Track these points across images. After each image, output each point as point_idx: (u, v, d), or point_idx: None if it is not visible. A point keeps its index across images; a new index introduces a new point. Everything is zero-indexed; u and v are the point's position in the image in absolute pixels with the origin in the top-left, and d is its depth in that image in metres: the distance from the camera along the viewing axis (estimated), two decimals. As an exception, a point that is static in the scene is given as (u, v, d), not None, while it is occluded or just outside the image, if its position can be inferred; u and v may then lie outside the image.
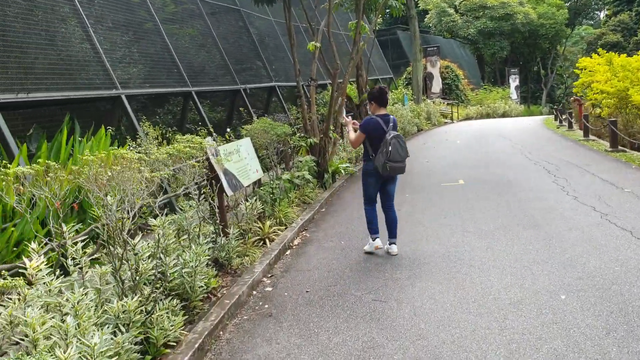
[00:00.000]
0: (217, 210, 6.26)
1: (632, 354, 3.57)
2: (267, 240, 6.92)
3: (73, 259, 4.13)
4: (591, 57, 21.11)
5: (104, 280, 4.23)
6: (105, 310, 3.97)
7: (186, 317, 4.73)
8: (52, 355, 3.12)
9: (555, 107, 32.72)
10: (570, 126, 21.02)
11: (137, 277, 4.36)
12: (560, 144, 16.47)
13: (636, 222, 6.70)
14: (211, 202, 6.20)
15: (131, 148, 7.78)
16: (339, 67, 11.41)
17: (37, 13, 8.83)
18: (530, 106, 47.95)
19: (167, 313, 4.45)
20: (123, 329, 3.91)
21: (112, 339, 3.63)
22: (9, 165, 4.57)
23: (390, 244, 6.29)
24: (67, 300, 3.53)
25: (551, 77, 52.95)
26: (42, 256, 4.02)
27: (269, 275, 5.83)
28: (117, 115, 9.93)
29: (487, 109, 37.03)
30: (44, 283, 3.66)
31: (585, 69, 20.49)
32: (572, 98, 24.30)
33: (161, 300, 4.59)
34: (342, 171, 11.93)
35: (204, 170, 6.11)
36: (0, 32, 7.72)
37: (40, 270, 3.90)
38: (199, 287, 5.05)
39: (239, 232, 6.62)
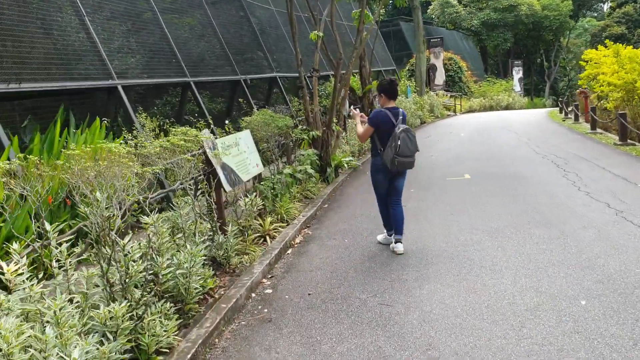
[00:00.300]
0: (214, 206, 5.96)
1: (663, 368, 3.28)
2: (267, 238, 6.63)
3: (57, 260, 3.84)
4: (596, 49, 20.74)
5: (91, 283, 3.94)
6: (92, 316, 3.68)
7: (180, 320, 4.44)
8: (28, 370, 2.84)
9: (560, 99, 32.30)
10: (576, 119, 20.66)
11: (127, 280, 4.07)
12: (567, 137, 16.13)
13: (654, 220, 6.40)
14: (208, 198, 5.90)
15: (127, 140, 7.54)
16: (342, 57, 11.08)
17: (31, 1, 8.54)
18: (533, 98, 47.54)
19: (159, 317, 4.17)
20: (110, 337, 3.62)
21: (97, 349, 3.35)
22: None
23: (395, 242, 5.99)
24: (48, 307, 3.24)
25: (554, 69, 52.46)
26: (25, 257, 3.75)
27: (269, 276, 5.53)
28: (113, 107, 9.69)
29: (491, 101, 36.70)
30: (24, 288, 3.37)
31: (590, 61, 20.11)
32: (577, 90, 23.91)
33: (153, 303, 4.31)
34: (345, 165, 11.62)
35: (201, 164, 5.81)
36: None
37: (22, 273, 3.62)
38: (195, 289, 4.77)
39: (238, 229, 6.33)
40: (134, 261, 4.16)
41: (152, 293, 4.32)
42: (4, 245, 5.07)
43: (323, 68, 16.73)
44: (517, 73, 45.67)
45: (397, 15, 43.79)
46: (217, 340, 4.16)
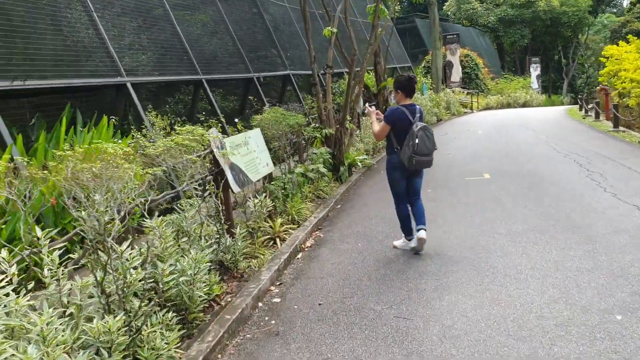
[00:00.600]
0: (221, 208, 5.68)
1: None
2: (277, 240, 6.34)
3: (49, 269, 3.57)
4: (617, 45, 20.18)
5: (86, 294, 3.67)
6: (84, 330, 3.40)
7: (184, 331, 4.16)
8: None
9: (580, 96, 31.66)
10: (597, 116, 20.10)
11: (125, 289, 3.79)
12: (588, 135, 15.63)
13: (688, 225, 5.99)
14: (215, 200, 5.62)
15: (135, 139, 7.29)
16: (356, 53, 10.75)
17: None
18: (551, 96, 46.78)
19: (160, 329, 3.89)
20: (105, 353, 3.35)
21: (88, 367, 3.08)
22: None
23: (419, 230, 5.73)
24: (33, 323, 2.96)
25: (572, 66, 51.59)
26: (15, 266, 3.49)
27: (278, 283, 5.22)
28: (122, 105, 9.50)
29: (508, 99, 36.17)
30: (8, 302, 3.10)
31: (611, 57, 19.59)
32: (597, 87, 23.33)
33: (155, 313, 4.03)
34: (359, 163, 11.29)
35: (208, 164, 5.53)
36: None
37: (10, 283, 3.36)
38: (199, 297, 4.48)
39: (246, 231, 6.04)
40: (134, 268, 3.88)
41: (153, 302, 4.04)
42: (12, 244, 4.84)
43: (337, 65, 16.42)
44: (535, 70, 44.98)
45: (412, 12, 43.33)
46: (219, 356, 3.86)
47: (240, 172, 6.17)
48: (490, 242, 5.94)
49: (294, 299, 4.80)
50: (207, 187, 5.57)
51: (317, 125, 10.52)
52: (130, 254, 3.86)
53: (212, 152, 5.70)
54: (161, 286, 4.13)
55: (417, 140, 5.45)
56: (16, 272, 3.39)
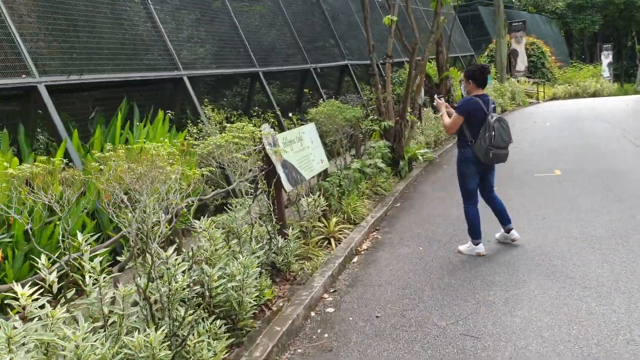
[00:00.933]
0: (272, 207, 5.41)
1: None
2: (332, 240, 6.03)
3: (90, 276, 3.38)
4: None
5: (128, 302, 3.46)
6: (125, 343, 3.20)
7: (232, 339, 3.93)
8: None
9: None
10: (678, 107, 18.69)
11: (171, 297, 3.57)
12: (671, 128, 14.48)
13: None
14: (267, 199, 5.37)
15: (191, 133, 7.15)
16: (417, 42, 10.24)
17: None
18: (623, 85, 44.22)
19: (207, 338, 3.66)
20: (146, 368, 3.13)
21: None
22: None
23: (508, 231, 5.68)
24: (66, 338, 2.76)
25: (648, 52, 48.59)
26: (55, 273, 3.32)
27: (332, 290, 4.89)
28: (179, 99, 9.46)
29: (576, 88, 34.37)
30: (45, 314, 2.91)
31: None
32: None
33: (203, 319, 3.81)
34: (420, 158, 10.78)
35: (259, 162, 5.28)
36: (51, 11, 7.25)
37: (49, 290, 3.19)
38: (249, 303, 4.23)
39: (299, 231, 5.76)
40: (182, 273, 3.66)
41: (201, 308, 3.82)
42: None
43: (397, 54, 15.91)
44: (606, 57, 42.53)
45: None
46: (268, 373, 3.59)
47: (293, 170, 5.88)
48: (564, 248, 5.40)
49: (349, 309, 4.46)
50: (258, 186, 5.32)
51: (375, 117, 10.12)
52: (176, 259, 3.63)
53: (264, 149, 5.45)
54: (208, 292, 3.90)
55: (494, 132, 5.19)
56: (56, 280, 3.22)
